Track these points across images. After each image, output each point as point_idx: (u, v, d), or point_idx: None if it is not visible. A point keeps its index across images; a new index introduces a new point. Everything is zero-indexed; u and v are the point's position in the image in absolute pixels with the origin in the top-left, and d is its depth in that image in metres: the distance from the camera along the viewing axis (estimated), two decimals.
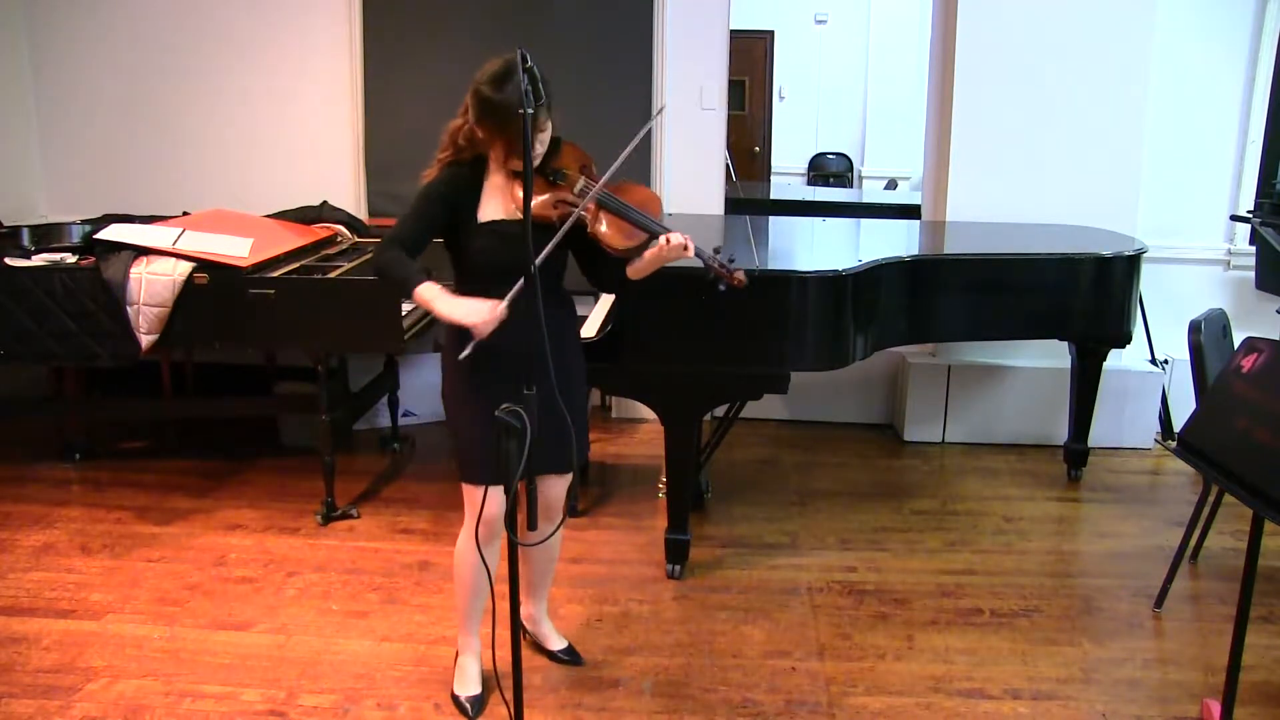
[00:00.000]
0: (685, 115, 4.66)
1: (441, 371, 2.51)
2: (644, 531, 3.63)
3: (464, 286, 2.43)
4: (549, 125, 2.32)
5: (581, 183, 2.41)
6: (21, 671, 2.72)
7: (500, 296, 2.34)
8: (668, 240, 2.35)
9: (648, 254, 2.41)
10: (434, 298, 2.30)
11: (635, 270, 2.46)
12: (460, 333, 2.41)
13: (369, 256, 3.89)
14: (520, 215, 2.30)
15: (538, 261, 2.17)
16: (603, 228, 2.39)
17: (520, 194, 2.33)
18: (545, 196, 2.35)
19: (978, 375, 4.59)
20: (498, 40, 4.35)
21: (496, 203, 2.38)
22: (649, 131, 2.37)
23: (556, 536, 2.66)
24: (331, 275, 3.62)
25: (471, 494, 2.46)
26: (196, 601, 3.12)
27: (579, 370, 2.59)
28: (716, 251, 2.47)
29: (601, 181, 2.34)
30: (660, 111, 2.44)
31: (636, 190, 2.46)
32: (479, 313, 2.23)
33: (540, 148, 2.31)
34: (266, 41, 4.79)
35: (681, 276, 3.11)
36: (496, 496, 2.42)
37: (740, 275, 2.45)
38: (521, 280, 2.20)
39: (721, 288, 2.46)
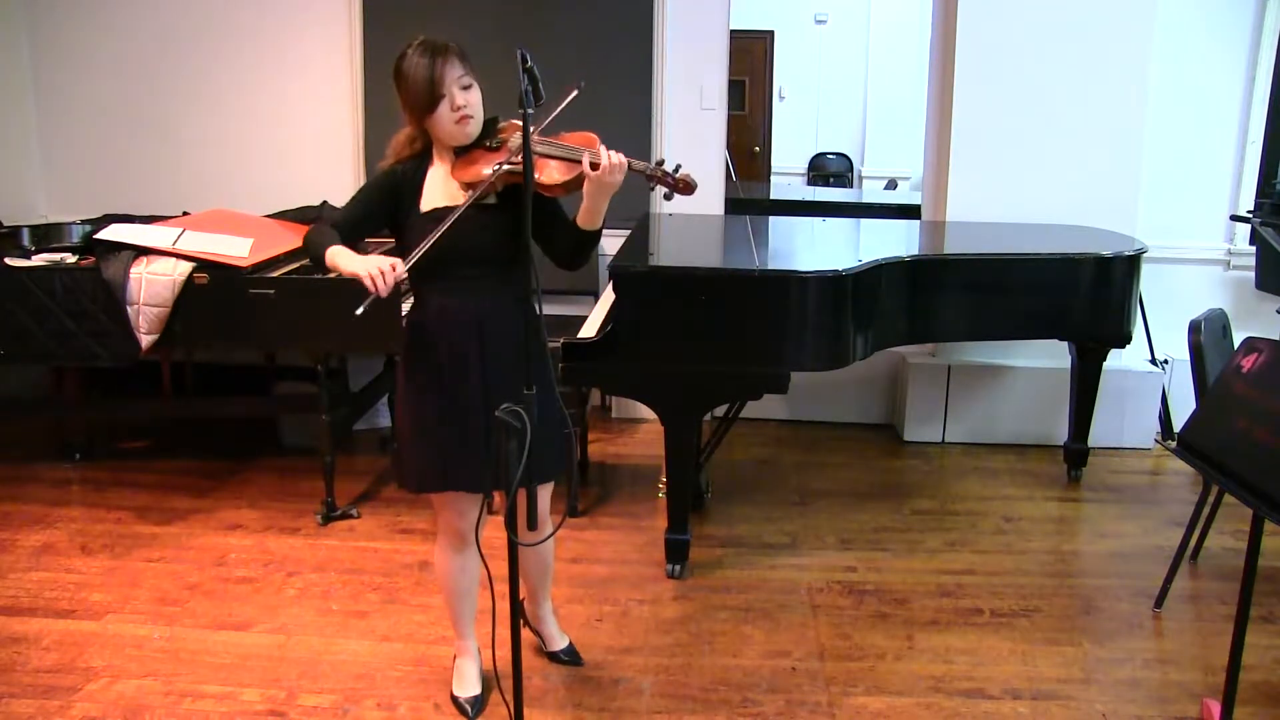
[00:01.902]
0: (685, 115, 4.66)
1: (396, 380, 2.49)
2: (644, 531, 3.63)
3: (419, 279, 2.40)
4: (475, 85, 2.28)
5: (516, 137, 2.32)
6: (21, 671, 2.72)
7: (454, 285, 2.34)
8: (595, 164, 2.22)
9: (585, 186, 2.27)
10: (337, 256, 2.25)
11: (584, 212, 2.32)
12: (418, 333, 2.40)
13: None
14: (462, 200, 2.28)
15: (447, 225, 2.15)
16: (541, 175, 2.29)
17: (458, 167, 2.30)
18: (481, 165, 2.29)
19: (978, 375, 4.59)
20: (498, 40, 4.36)
21: (438, 190, 2.35)
22: (576, 95, 2.32)
23: (549, 543, 2.66)
24: (331, 275, 3.61)
25: (435, 502, 2.49)
26: (196, 601, 3.12)
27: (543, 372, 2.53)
28: (660, 164, 2.33)
29: (535, 130, 2.25)
30: (579, 86, 2.37)
31: (573, 135, 2.36)
32: (371, 265, 2.17)
33: (469, 107, 2.27)
34: (267, 41, 4.80)
35: (682, 277, 3.13)
36: (456, 506, 2.44)
37: (686, 176, 2.31)
38: (426, 243, 2.18)
39: (669, 196, 2.34)
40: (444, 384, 2.37)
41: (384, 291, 2.15)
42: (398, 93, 2.30)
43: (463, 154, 2.34)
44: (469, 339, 2.35)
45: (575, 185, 2.30)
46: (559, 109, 2.30)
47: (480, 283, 2.34)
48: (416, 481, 2.44)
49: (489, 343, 2.35)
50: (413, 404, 2.42)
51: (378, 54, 4.67)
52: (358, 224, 2.38)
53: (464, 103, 2.26)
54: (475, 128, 2.31)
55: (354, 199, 2.44)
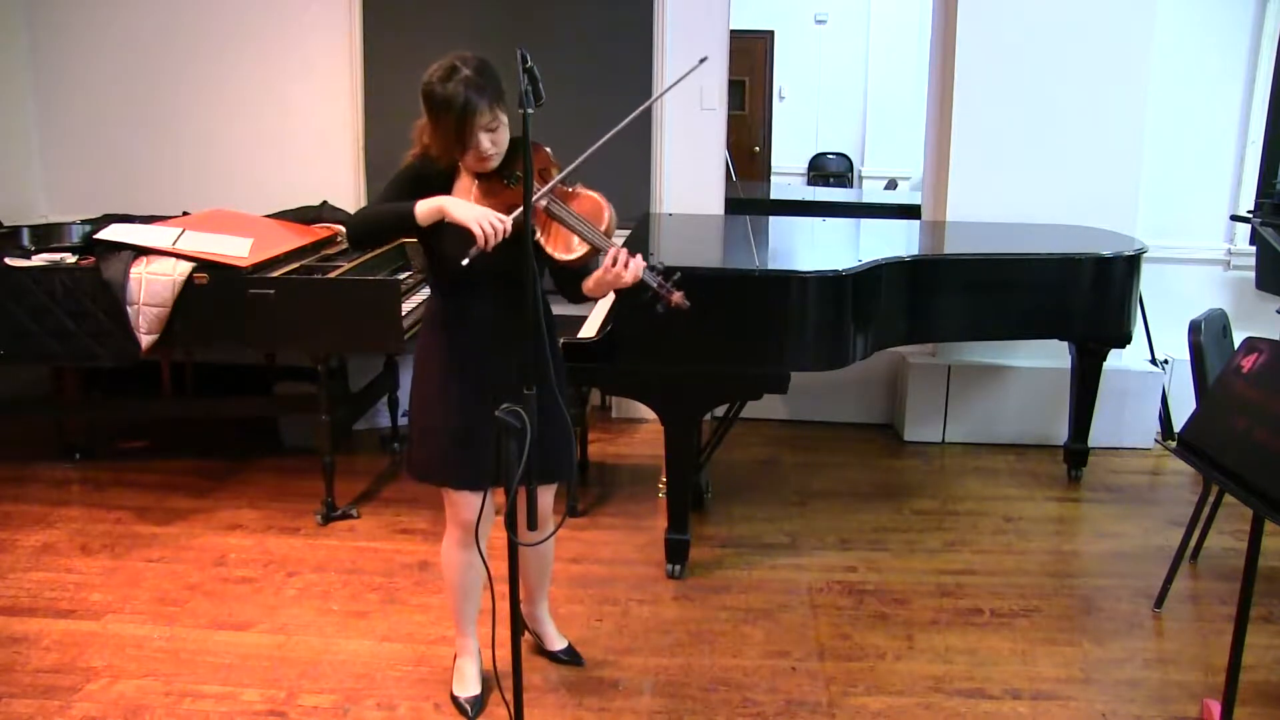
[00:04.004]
0: (685, 115, 4.66)
1: (413, 375, 2.49)
2: (644, 531, 3.63)
3: (438, 284, 2.45)
4: (502, 124, 2.27)
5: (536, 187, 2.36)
6: (21, 671, 2.72)
7: (472, 296, 2.36)
8: (613, 261, 2.27)
9: (595, 275, 2.33)
10: (440, 201, 2.24)
11: (588, 288, 2.40)
12: (439, 331, 2.42)
13: (370, 258, 3.89)
14: None
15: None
16: (544, 237, 2.30)
17: (478, 194, 2.31)
18: (497, 200, 2.30)
19: (978, 375, 4.59)
20: (497, 40, 4.36)
21: None
22: (613, 139, 2.31)
23: (549, 542, 2.66)
24: (331, 275, 3.62)
25: (448, 497, 2.49)
26: (196, 601, 3.12)
27: (558, 375, 2.53)
28: (656, 270, 2.34)
29: (547, 186, 2.28)
30: (643, 109, 2.40)
31: (586, 199, 2.36)
32: (481, 215, 2.17)
33: (493, 147, 2.26)
34: (267, 41, 4.79)
35: (682, 277, 3.12)
36: (469, 501, 2.44)
37: (678, 297, 2.33)
38: (512, 216, 2.19)
39: (659, 308, 2.34)
40: (459, 381, 2.39)
41: (490, 246, 2.17)
42: (425, 112, 2.29)
43: (483, 179, 2.34)
44: (484, 340, 2.38)
45: (582, 263, 2.33)
46: (621, 128, 2.27)
47: (497, 291, 2.35)
48: (420, 472, 2.47)
49: (505, 344, 2.35)
50: (426, 399, 2.44)
51: (378, 54, 4.68)
52: None
53: (488, 146, 2.26)
54: (497, 161, 2.31)
55: (393, 185, 2.39)
